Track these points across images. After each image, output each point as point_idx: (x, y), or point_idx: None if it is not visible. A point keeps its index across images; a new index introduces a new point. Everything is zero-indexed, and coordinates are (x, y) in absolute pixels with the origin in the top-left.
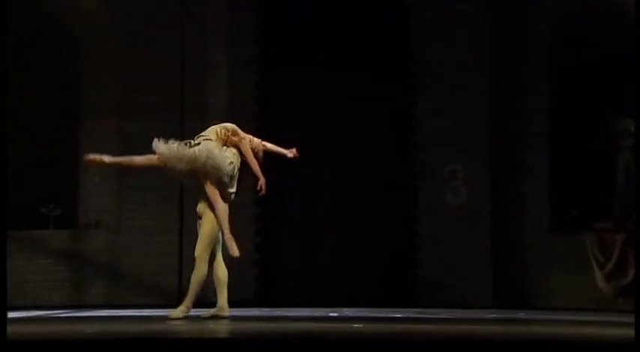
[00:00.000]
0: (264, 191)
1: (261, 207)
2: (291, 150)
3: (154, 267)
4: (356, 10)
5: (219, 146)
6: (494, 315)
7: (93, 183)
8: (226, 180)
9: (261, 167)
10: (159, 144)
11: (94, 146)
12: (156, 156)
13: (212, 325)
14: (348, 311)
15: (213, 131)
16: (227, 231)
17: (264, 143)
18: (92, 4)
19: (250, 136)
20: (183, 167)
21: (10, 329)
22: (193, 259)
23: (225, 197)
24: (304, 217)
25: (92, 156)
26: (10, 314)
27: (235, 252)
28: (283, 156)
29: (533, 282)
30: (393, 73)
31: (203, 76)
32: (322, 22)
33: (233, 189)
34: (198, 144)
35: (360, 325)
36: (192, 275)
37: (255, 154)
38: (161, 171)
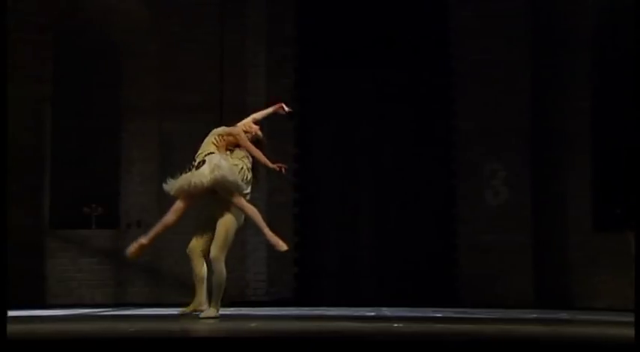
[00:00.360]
0: (284, 170)
1: (299, 207)
2: (280, 104)
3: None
4: (394, 8)
5: (223, 154)
6: (535, 315)
7: (134, 183)
8: (244, 186)
9: (265, 150)
10: (168, 186)
11: (134, 146)
12: (177, 200)
13: (253, 325)
14: (387, 311)
15: (210, 143)
16: (266, 230)
17: (254, 116)
18: (132, 5)
19: (242, 122)
20: (202, 191)
21: (54, 327)
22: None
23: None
24: (343, 216)
25: (132, 249)
26: (54, 312)
27: (283, 246)
28: (279, 114)
29: (575, 282)
30: (431, 71)
31: (242, 76)
32: (360, 20)
33: (248, 190)
34: (203, 162)
35: (401, 325)
36: (213, 278)
37: (257, 139)
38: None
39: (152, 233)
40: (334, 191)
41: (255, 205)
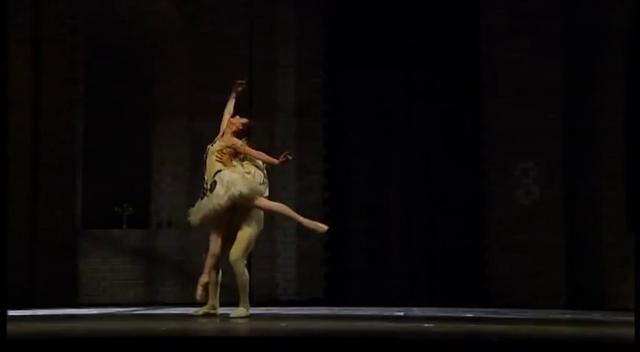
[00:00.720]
0: (291, 157)
1: (329, 206)
2: (239, 82)
3: (225, 266)
4: (423, 7)
5: (231, 167)
6: (568, 316)
7: (165, 182)
8: (262, 189)
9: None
10: (192, 219)
11: (164, 146)
12: (211, 228)
13: (283, 324)
14: (417, 311)
15: (214, 163)
16: (302, 219)
17: (227, 111)
18: (162, 6)
19: (224, 126)
20: (225, 210)
21: (86, 325)
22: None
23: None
24: (373, 216)
25: (199, 293)
26: (86, 311)
27: (323, 227)
28: (238, 96)
29: (609, 283)
30: (461, 70)
31: (271, 76)
32: (389, 20)
33: (267, 192)
34: (215, 183)
35: (431, 325)
36: (237, 280)
37: (247, 128)
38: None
39: (206, 268)
40: (364, 190)
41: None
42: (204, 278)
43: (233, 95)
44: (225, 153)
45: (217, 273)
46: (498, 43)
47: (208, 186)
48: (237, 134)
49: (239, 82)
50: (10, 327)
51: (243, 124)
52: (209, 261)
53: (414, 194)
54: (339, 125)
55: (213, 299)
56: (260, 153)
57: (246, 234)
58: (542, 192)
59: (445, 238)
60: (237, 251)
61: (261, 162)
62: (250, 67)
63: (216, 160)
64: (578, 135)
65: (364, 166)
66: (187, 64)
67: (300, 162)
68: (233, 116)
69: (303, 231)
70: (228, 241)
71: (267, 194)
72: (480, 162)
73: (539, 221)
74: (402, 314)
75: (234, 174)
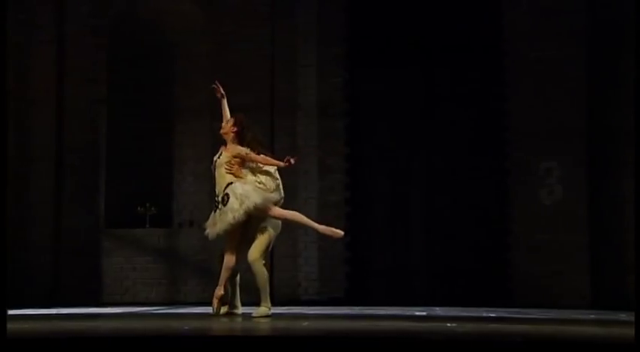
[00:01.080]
0: (295, 159)
1: (351, 206)
2: (215, 87)
3: (247, 265)
4: (445, 6)
5: (241, 180)
6: (592, 316)
7: (186, 182)
8: (275, 195)
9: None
10: (210, 234)
11: (186, 146)
12: (225, 240)
13: (305, 323)
14: (439, 310)
15: (223, 175)
16: (316, 225)
17: (226, 115)
18: (186, 6)
19: (224, 129)
20: (241, 223)
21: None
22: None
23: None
24: (394, 215)
25: (215, 307)
26: (109, 310)
27: (338, 232)
28: (223, 101)
29: (634, 282)
30: (483, 69)
31: (292, 75)
32: (411, 18)
33: (282, 194)
34: (227, 195)
35: (454, 324)
36: (256, 279)
37: (243, 129)
38: None
39: (222, 281)
40: (386, 190)
41: (307, 204)
42: (219, 291)
43: (221, 102)
44: (233, 164)
45: (235, 275)
46: (521, 41)
47: (220, 199)
48: (239, 137)
49: (214, 87)
50: (35, 326)
51: (234, 127)
52: (224, 274)
53: (436, 193)
54: (360, 124)
55: (235, 300)
56: (265, 157)
57: (264, 235)
58: (565, 191)
59: (467, 237)
60: (255, 251)
61: (271, 173)
62: (272, 66)
63: (227, 172)
64: (602, 134)
65: (386, 165)
66: (209, 64)
67: (322, 161)
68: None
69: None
70: (242, 250)
71: (282, 195)
72: (503, 162)
73: (563, 220)
74: (423, 313)
75: (246, 186)
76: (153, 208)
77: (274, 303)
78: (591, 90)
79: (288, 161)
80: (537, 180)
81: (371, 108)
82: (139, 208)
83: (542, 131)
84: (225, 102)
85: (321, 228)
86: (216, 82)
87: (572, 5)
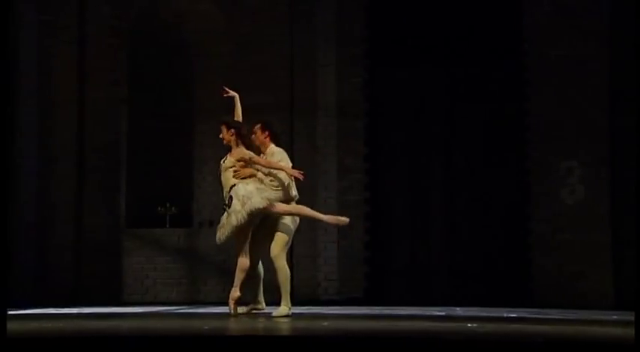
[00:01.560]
0: (302, 178)
1: (370, 206)
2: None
3: (266, 265)
4: (465, 4)
5: (244, 181)
6: (615, 317)
7: (206, 182)
8: (280, 195)
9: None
10: (218, 238)
11: (206, 146)
12: (236, 242)
13: (324, 323)
14: (459, 311)
15: (229, 178)
16: (321, 216)
17: (228, 122)
18: (206, 7)
19: (225, 134)
20: (246, 223)
21: (130, 323)
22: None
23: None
24: (414, 215)
25: (232, 308)
26: (130, 310)
27: (344, 220)
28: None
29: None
30: (504, 68)
31: (312, 75)
32: (431, 17)
33: (294, 192)
34: (231, 198)
35: (474, 325)
36: (278, 276)
37: (242, 134)
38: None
39: (237, 281)
40: (405, 190)
41: (326, 204)
42: (235, 293)
43: (234, 100)
44: (238, 167)
45: (256, 269)
46: (542, 41)
47: (226, 202)
48: (243, 140)
49: (224, 92)
50: (57, 325)
51: (238, 133)
52: (238, 276)
53: (455, 193)
54: (379, 124)
55: (259, 295)
56: (269, 161)
57: (284, 229)
58: (587, 191)
59: (488, 237)
60: (276, 247)
61: (279, 175)
62: (291, 66)
63: (234, 176)
64: (624, 133)
65: (405, 165)
66: (229, 64)
67: (341, 161)
68: (231, 127)
69: (344, 231)
70: (257, 250)
71: (293, 193)
72: (524, 161)
73: (585, 220)
74: (443, 313)
75: (249, 187)
76: (173, 208)
77: (294, 303)
78: (613, 89)
79: (298, 174)
80: (558, 179)
81: (390, 107)
82: (159, 208)
83: (563, 130)
84: (237, 100)
85: (326, 217)
86: (224, 87)
87: (594, 4)
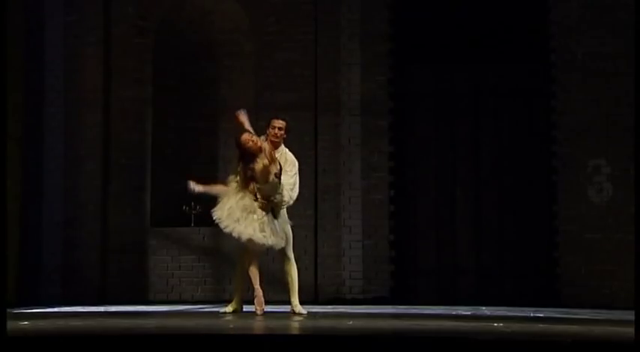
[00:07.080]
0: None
1: (396, 204)
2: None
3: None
4: (492, 2)
5: (232, 195)
6: None
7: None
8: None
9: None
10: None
11: (231, 145)
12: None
13: (349, 322)
14: (486, 310)
15: (233, 183)
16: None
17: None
18: (231, 6)
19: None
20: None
21: (156, 322)
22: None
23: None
24: (439, 214)
25: (258, 307)
26: (156, 308)
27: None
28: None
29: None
30: (530, 65)
31: (336, 74)
32: (455, 14)
33: (295, 193)
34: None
35: (501, 324)
36: (293, 274)
37: (251, 150)
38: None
39: (255, 281)
40: (431, 188)
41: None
42: (256, 292)
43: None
44: (239, 172)
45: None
46: (569, 37)
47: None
48: (253, 150)
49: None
50: (86, 323)
51: (246, 144)
52: (253, 274)
53: (482, 192)
54: (404, 122)
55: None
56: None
57: (290, 230)
58: (615, 189)
59: (514, 236)
60: (290, 248)
61: (279, 167)
62: (315, 65)
63: (234, 180)
64: None
65: (431, 164)
66: (254, 63)
67: (366, 160)
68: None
69: (369, 230)
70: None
71: (296, 193)
72: (551, 159)
73: (612, 219)
74: (469, 313)
75: (219, 211)
76: (198, 207)
77: (319, 302)
78: None
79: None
80: (586, 177)
81: (415, 106)
82: (184, 207)
83: (590, 128)
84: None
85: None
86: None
87: (622, 1)
